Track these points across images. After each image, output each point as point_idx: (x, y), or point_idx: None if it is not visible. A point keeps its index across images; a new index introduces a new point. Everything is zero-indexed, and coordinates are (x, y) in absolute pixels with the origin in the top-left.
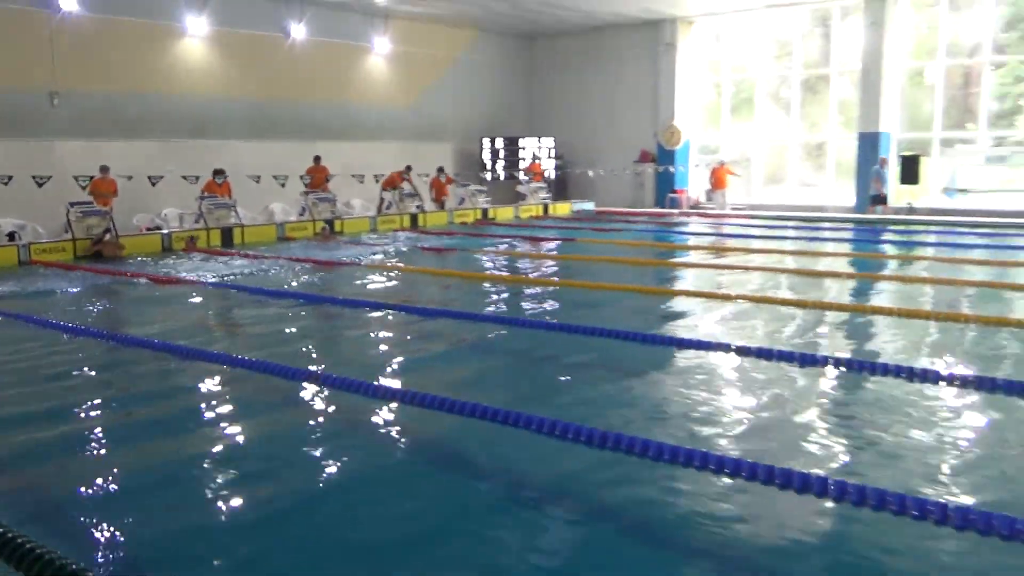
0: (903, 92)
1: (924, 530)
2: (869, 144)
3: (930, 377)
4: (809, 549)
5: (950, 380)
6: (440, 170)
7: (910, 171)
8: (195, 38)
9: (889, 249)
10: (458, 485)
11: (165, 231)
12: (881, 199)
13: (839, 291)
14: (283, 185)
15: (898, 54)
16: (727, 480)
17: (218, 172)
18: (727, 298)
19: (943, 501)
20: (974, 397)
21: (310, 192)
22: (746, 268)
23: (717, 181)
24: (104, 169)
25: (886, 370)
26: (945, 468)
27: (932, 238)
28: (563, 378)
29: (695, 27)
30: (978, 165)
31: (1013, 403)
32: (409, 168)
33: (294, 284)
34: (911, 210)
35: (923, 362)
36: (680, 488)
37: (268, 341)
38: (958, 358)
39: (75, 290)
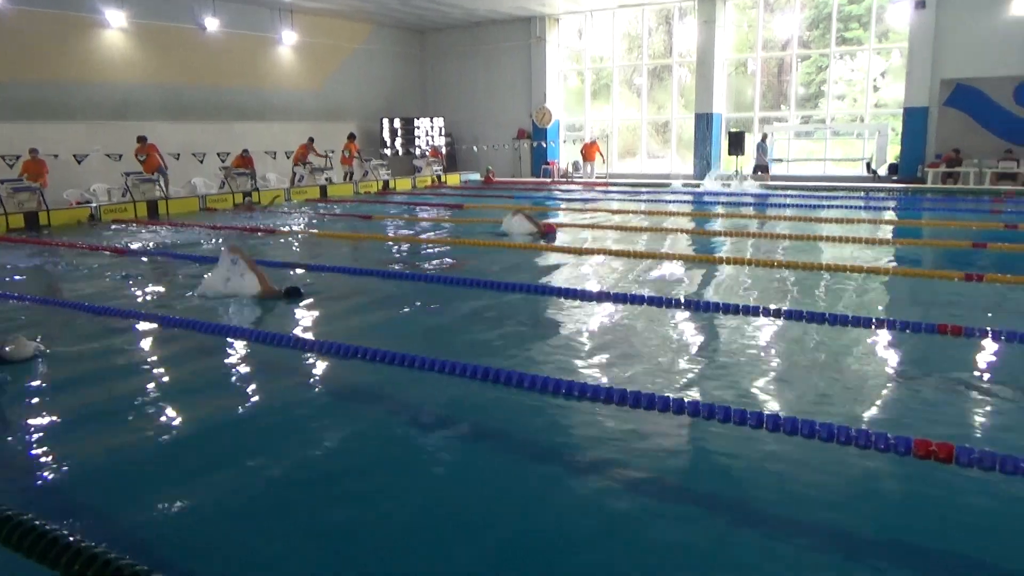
0: (730, 79)
1: (744, 433)
2: (704, 123)
3: (751, 311)
4: (664, 453)
5: (765, 312)
6: (351, 136)
7: (737, 145)
8: (115, 29)
9: (720, 208)
10: (369, 418)
11: (93, 204)
12: (763, 168)
13: (683, 243)
14: (201, 161)
15: (725, 47)
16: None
17: (140, 138)
18: (592, 252)
19: (761, 411)
20: (785, 325)
21: (231, 169)
22: (607, 227)
23: (588, 154)
24: (33, 151)
25: (717, 307)
26: (763, 383)
27: (750, 199)
28: (455, 324)
29: (561, 23)
30: (789, 139)
31: (816, 329)
32: (312, 140)
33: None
34: (738, 175)
35: (746, 299)
36: (551, 411)
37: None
38: (772, 295)
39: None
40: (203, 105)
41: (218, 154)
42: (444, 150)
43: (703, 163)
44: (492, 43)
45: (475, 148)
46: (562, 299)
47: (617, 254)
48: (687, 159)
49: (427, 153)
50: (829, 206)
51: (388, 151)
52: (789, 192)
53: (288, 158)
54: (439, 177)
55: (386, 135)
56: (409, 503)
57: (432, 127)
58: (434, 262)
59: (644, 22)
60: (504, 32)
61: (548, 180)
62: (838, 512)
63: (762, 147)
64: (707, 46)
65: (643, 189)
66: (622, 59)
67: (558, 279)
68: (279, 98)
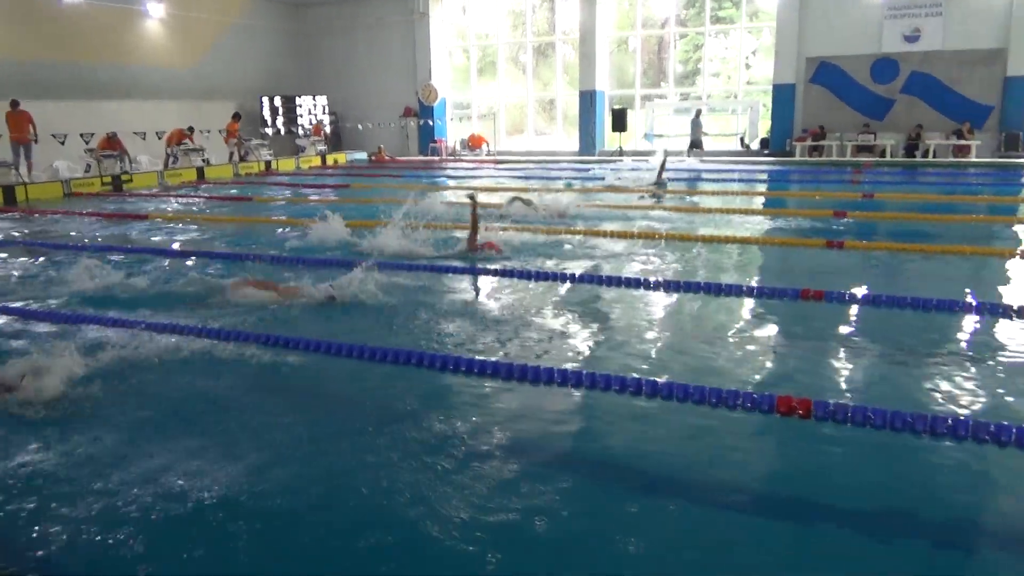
0: (612, 57)
1: (623, 400)
2: (588, 100)
3: (631, 283)
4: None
5: (645, 284)
6: (236, 116)
7: (619, 121)
8: None
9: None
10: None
11: None
12: (697, 143)
13: (573, 216)
14: (63, 143)
15: (607, 26)
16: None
17: (13, 103)
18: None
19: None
20: (664, 296)
21: (97, 151)
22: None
23: (474, 143)
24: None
25: (600, 280)
26: (642, 350)
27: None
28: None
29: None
30: (669, 115)
31: (692, 298)
32: (191, 128)
33: (87, 238)
34: (621, 152)
35: (627, 271)
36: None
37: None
38: (655, 267)
39: None
40: (63, 82)
41: (81, 135)
42: (328, 129)
43: (588, 140)
44: (374, 18)
45: (360, 127)
46: (473, 275)
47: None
48: (573, 136)
49: (310, 132)
50: (710, 179)
51: (269, 130)
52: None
53: (160, 139)
54: (324, 157)
55: (267, 114)
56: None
57: (315, 105)
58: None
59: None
60: (386, 7)
61: (437, 158)
62: (717, 469)
63: (696, 123)
64: (589, 23)
65: (531, 165)
66: (507, 36)
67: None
68: (149, 75)
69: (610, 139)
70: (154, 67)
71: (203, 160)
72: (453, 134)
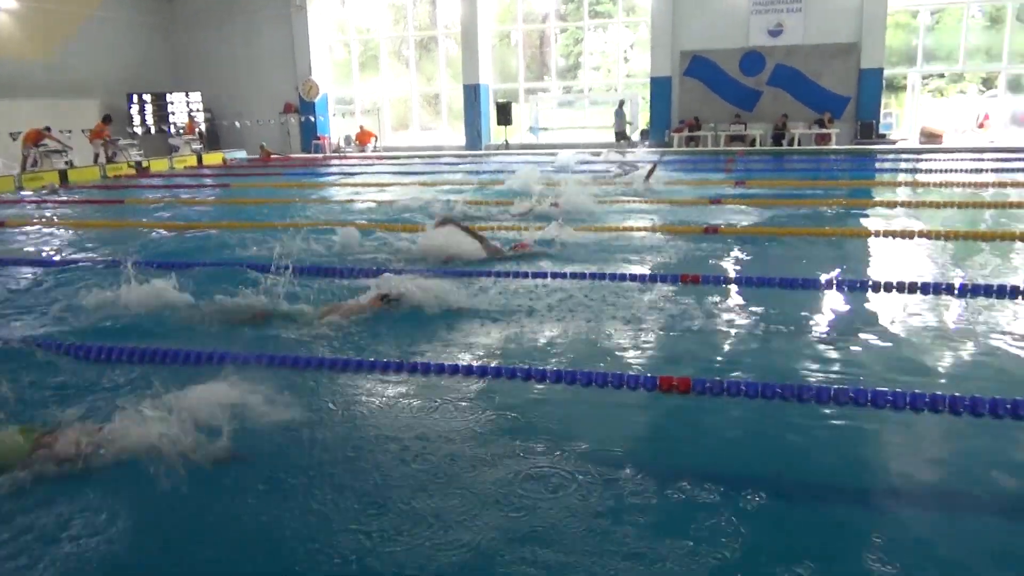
0: (495, 50)
1: (523, 386)
2: (473, 94)
3: (519, 275)
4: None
5: (542, 275)
6: (106, 119)
7: (504, 115)
8: None
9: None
10: None
11: None
12: (622, 134)
13: (460, 208)
14: None
15: (489, 19)
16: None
17: None
18: (372, 225)
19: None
20: (557, 284)
21: None
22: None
23: (362, 139)
24: None
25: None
26: (537, 338)
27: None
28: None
29: None
30: (553, 109)
31: (581, 285)
32: (48, 128)
33: None
34: (507, 145)
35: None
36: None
37: None
38: (552, 259)
39: None
40: None
41: None
42: (203, 127)
43: (474, 134)
44: (250, 11)
45: (238, 124)
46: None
47: (395, 227)
48: (459, 130)
49: (183, 131)
50: (586, 172)
51: (138, 129)
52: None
53: (15, 140)
54: (200, 156)
55: (134, 112)
56: None
57: (188, 102)
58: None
59: None
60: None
61: (320, 156)
62: (607, 445)
63: (620, 114)
64: (471, 17)
65: (418, 160)
66: (389, 30)
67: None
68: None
69: (496, 132)
70: (5, 58)
71: (66, 162)
72: (337, 130)
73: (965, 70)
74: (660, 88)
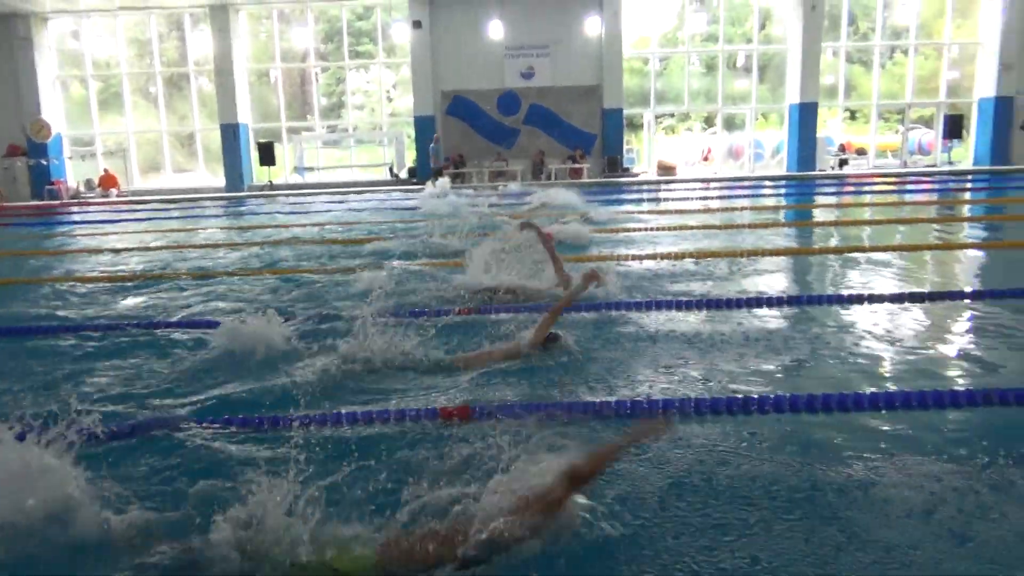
0: (253, 89)
1: None
2: (231, 133)
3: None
4: None
5: None
6: None
7: (267, 155)
8: None
9: (261, 218)
10: None
11: None
12: (438, 171)
13: (220, 258)
14: None
15: (244, 57)
16: None
17: None
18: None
19: None
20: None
21: None
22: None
23: (106, 183)
24: None
25: None
26: None
27: (289, 207)
28: None
29: (51, 23)
30: (318, 148)
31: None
32: None
33: None
34: (272, 186)
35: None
36: None
37: None
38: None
39: None
40: None
41: None
42: None
43: (235, 175)
44: None
45: None
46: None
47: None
48: (218, 172)
49: None
50: (358, 209)
51: None
52: (323, 196)
53: None
54: None
55: None
56: None
57: None
58: None
59: (153, 27)
60: None
61: (57, 203)
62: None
63: (435, 150)
64: (225, 55)
65: (173, 205)
66: (133, 66)
67: None
68: None
69: (258, 173)
70: None
71: None
72: (75, 174)
73: (690, 110)
74: (424, 127)
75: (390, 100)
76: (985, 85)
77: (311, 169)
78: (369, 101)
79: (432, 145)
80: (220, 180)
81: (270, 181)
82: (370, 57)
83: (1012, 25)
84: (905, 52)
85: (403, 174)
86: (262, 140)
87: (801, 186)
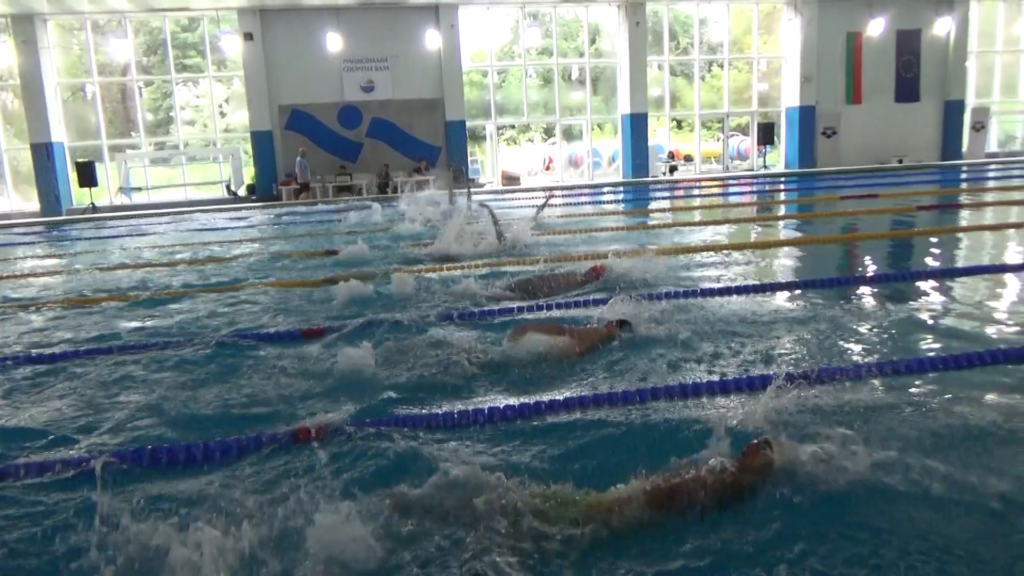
0: (68, 105)
1: None
2: (44, 153)
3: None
4: None
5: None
6: None
7: (87, 175)
8: None
9: (34, 250)
10: None
11: None
12: (305, 186)
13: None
14: None
15: (55, 72)
16: None
17: None
18: None
19: None
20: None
21: None
22: None
23: None
24: None
25: None
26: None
27: (106, 232)
28: None
29: None
30: (145, 167)
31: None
32: None
33: None
34: (95, 208)
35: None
36: None
37: None
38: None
39: None
40: None
41: None
42: None
43: (51, 198)
44: None
45: None
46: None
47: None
48: (31, 196)
49: None
50: (195, 229)
51: None
52: (152, 218)
53: None
54: None
55: None
56: None
57: None
58: None
59: None
60: None
61: None
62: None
63: (302, 164)
64: (32, 69)
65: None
66: None
67: None
68: None
69: (78, 195)
70: None
71: None
72: None
73: (530, 122)
74: (262, 142)
75: (223, 115)
76: (790, 95)
77: (139, 189)
78: (200, 116)
79: (299, 159)
80: (33, 204)
81: (92, 203)
82: (199, 71)
83: (809, 42)
84: (721, 66)
85: (241, 191)
86: (81, 160)
87: (638, 191)
